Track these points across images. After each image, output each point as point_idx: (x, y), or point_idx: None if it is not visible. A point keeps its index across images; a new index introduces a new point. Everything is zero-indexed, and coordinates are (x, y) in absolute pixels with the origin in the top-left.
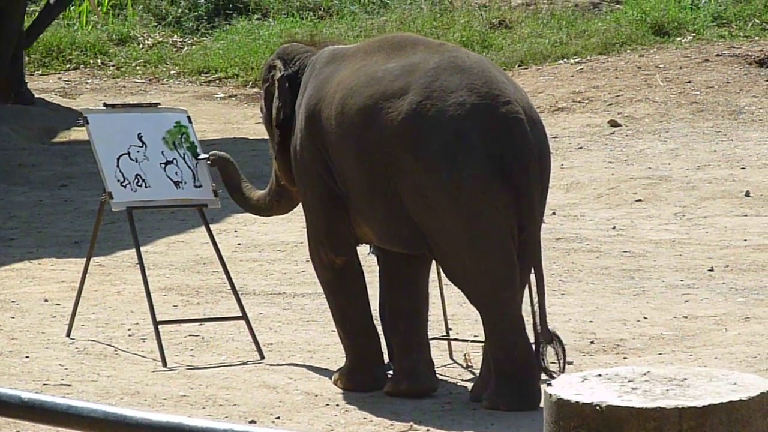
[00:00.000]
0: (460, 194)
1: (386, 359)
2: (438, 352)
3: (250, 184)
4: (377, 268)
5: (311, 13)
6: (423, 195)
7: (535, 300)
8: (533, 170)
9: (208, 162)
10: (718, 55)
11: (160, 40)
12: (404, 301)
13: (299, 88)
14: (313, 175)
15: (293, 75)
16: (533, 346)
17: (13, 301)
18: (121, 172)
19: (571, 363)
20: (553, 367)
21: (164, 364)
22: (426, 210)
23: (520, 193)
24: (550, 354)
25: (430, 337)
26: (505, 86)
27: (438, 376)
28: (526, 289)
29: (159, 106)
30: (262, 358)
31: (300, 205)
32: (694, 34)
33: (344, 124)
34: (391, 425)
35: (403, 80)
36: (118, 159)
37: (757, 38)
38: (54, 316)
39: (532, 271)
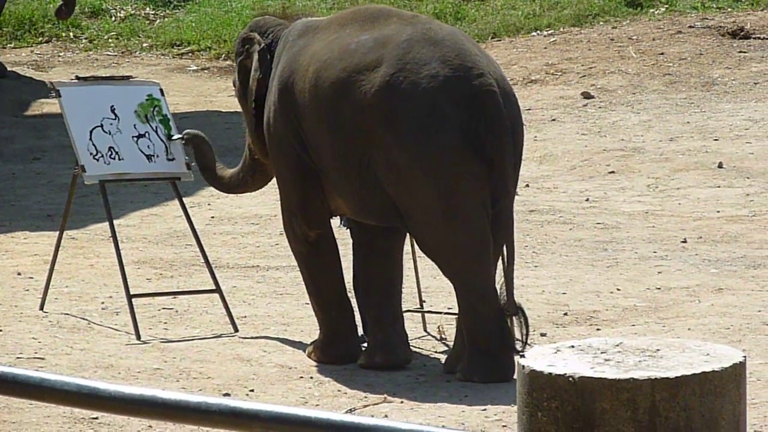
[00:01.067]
0: (434, 167)
1: (360, 332)
2: (412, 325)
3: (223, 163)
4: (351, 240)
5: None
6: (396, 168)
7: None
8: (507, 143)
9: (182, 141)
10: (691, 27)
11: (132, 12)
12: (378, 273)
13: (273, 61)
14: (286, 149)
15: (268, 48)
16: (506, 319)
17: None
18: (93, 145)
19: (544, 335)
20: (517, 339)
21: (138, 337)
22: (399, 183)
23: (493, 166)
24: (515, 327)
25: (404, 309)
26: (479, 58)
27: (412, 348)
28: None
29: (131, 79)
30: (236, 331)
31: (274, 179)
32: (666, 6)
33: (317, 97)
34: (365, 397)
35: (376, 53)
36: (91, 132)
37: (729, 10)
38: (27, 290)
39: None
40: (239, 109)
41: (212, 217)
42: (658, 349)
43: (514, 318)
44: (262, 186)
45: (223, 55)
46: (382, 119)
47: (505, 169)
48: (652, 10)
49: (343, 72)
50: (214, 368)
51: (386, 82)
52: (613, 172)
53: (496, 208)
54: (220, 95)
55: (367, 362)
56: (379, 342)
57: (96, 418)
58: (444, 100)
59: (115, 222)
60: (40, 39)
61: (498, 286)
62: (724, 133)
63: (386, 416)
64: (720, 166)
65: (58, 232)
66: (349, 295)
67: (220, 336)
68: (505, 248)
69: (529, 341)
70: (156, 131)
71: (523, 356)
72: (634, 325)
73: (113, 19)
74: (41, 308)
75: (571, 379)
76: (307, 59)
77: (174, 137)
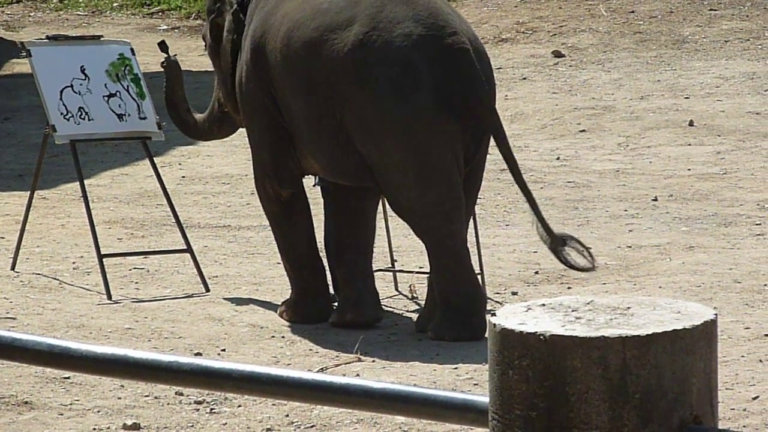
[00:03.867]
0: (407, 126)
1: (332, 291)
2: (383, 284)
3: (190, 107)
4: (322, 200)
5: None
6: (369, 128)
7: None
8: (481, 101)
9: (163, 65)
10: None
11: None
12: (350, 232)
13: (245, 20)
14: (258, 108)
15: (240, 6)
16: (478, 277)
17: None
18: (64, 104)
19: (515, 293)
20: (585, 262)
21: (109, 297)
22: (372, 142)
23: (466, 125)
24: (573, 254)
25: (375, 268)
26: (451, 17)
27: (383, 307)
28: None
29: (102, 39)
30: (207, 290)
31: (241, 137)
32: None
33: (290, 56)
34: (337, 356)
35: (349, 11)
36: (62, 92)
37: None
38: None
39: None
40: (210, 68)
41: (183, 177)
42: (629, 307)
43: (569, 247)
44: (227, 136)
45: (194, 15)
46: (354, 78)
47: (478, 127)
48: None
49: (316, 31)
50: (186, 328)
51: (359, 40)
52: (584, 130)
53: (469, 167)
54: (191, 54)
55: (338, 320)
56: (350, 300)
57: (68, 378)
58: (417, 59)
59: (86, 182)
60: None
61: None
62: (694, 91)
63: (358, 375)
64: (691, 124)
65: (29, 192)
66: (320, 254)
67: (191, 296)
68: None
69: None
70: (127, 90)
71: (494, 314)
72: (605, 284)
73: None
74: (12, 268)
75: (542, 337)
76: (279, 19)
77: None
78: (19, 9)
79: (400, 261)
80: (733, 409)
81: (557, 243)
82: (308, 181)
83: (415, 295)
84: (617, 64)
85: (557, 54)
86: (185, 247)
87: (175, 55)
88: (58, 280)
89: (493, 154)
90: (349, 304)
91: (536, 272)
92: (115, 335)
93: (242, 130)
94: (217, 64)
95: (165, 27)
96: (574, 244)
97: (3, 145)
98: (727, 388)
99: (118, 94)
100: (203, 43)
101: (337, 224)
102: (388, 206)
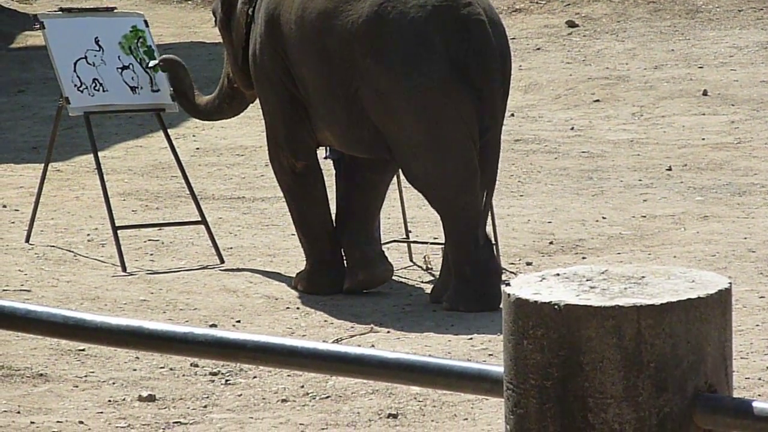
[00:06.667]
0: (422, 98)
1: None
2: (398, 255)
3: (198, 91)
4: (334, 172)
5: None
6: (384, 99)
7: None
8: (496, 72)
9: (159, 66)
10: None
11: None
12: (359, 202)
13: None
14: (273, 80)
15: None
16: (493, 247)
17: None
18: (78, 76)
19: (530, 264)
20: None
21: (124, 269)
22: (387, 114)
23: (482, 96)
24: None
25: (389, 239)
26: None
27: (397, 278)
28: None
29: (115, 11)
30: (222, 262)
31: (251, 107)
32: None
33: (304, 28)
34: (352, 327)
35: None
36: (75, 64)
37: None
38: (13, 222)
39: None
40: (222, 40)
41: (197, 149)
42: (643, 277)
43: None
44: (239, 113)
45: None
46: (369, 49)
47: (494, 98)
48: None
49: (330, 2)
50: (200, 299)
51: (374, 11)
52: (598, 100)
53: (485, 138)
54: (204, 26)
55: (351, 283)
56: (358, 260)
57: (83, 350)
58: (432, 31)
59: (100, 154)
60: None
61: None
62: (708, 61)
63: (373, 346)
64: (705, 93)
65: (43, 165)
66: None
67: (206, 267)
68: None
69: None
70: (140, 62)
71: (508, 284)
72: (619, 253)
73: None
74: (27, 240)
75: (556, 306)
76: None
77: (150, 64)
78: None
79: (414, 232)
80: (748, 378)
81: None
82: (320, 153)
83: (429, 266)
84: (631, 33)
85: (571, 24)
86: (200, 219)
87: (171, 56)
88: (72, 252)
89: (507, 124)
90: (358, 265)
91: (550, 242)
92: (130, 307)
93: (256, 102)
94: (227, 39)
95: None
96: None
97: (17, 118)
98: (741, 357)
99: (131, 66)
100: (212, 15)
101: (347, 195)
102: (402, 177)
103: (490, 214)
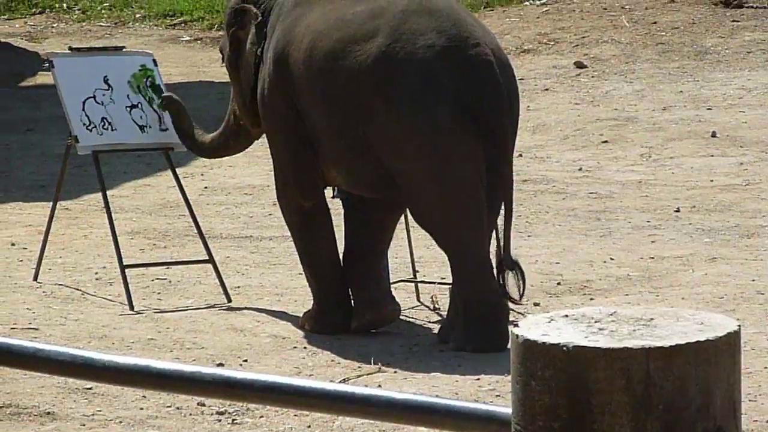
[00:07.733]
0: (430, 139)
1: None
2: (405, 295)
3: (201, 129)
4: (342, 211)
5: None
6: (392, 139)
7: (501, 235)
8: (504, 113)
9: (161, 104)
10: None
11: None
12: (367, 242)
13: (267, 32)
14: (281, 119)
15: (263, 19)
16: (500, 284)
17: None
18: (86, 115)
19: (537, 304)
20: (514, 294)
21: (131, 307)
22: (395, 154)
23: (490, 136)
24: (510, 281)
25: (397, 279)
26: (474, 28)
27: (405, 318)
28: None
29: (125, 50)
30: (230, 301)
31: (262, 148)
32: None
33: (313, 68)
34: (359, 367)
35: (372, 23)
36: (84, 102)
37: None
38: (21, 260)
39: (502, 205)
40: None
41: (205, 188)
42: (651, 318)
43: (510, 273)
44: (244, 149)
45: (216, 26)
46: (377, 90)
47: (503, 139)
48: None
49: (339, 42)
50: (208, 338)
51: (382, 52)
52: (606, 141)
53: (493, 177)
54: (213, 65)
55: (358, 323)
56: (365, 300)
57: (90, 388)
58: (440, 71)
59: (108, 192)
60: (34, 10)
61: (493, 244)
62: (717, 102)
63: (380, 386)
64: (713, 135)
65: (51, 203)
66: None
67: (213, 306)
68: (504, 207)
69: (524, 296)
70: (149, 101)
71: (516, 326)
72: (627, 295)
73: None
74: (35, 279)
75: (565, 348)
76: (302, 30)
77: (155, 102)
78: (42, 20)
79: (422, 272)
80: (756, 420)
81: (507, 264)
82: (327, 193)
83: (437, 305)
84: (639, 75)
85: (579, 65)
86: (207, 258)
87: (169, 94)
88: (80, 290)
89: (515, 165)
90: (365, 305)
91: (558, 283)
92: (138, 346)
93: (262, 141)
94: (235, 77)
95: (187, 38)
96: (517, 274)
97: (26, 156)
98: (750, 400)
99: (139, 105)
100: (220, 53)
101: (354, 234)
102: (410, 216)
103: (497, 239)
